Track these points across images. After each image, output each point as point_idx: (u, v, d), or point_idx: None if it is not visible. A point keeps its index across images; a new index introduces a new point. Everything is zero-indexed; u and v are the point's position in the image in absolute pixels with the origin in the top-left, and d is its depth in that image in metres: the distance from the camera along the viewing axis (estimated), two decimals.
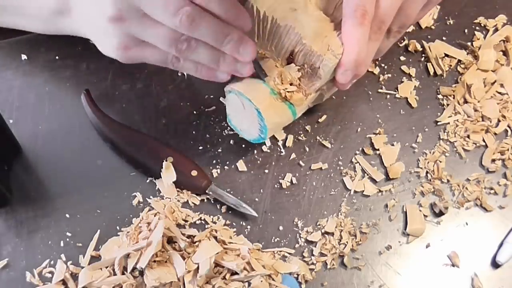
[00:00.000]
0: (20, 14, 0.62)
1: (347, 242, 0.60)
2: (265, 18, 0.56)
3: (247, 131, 0.60)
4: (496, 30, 0.74)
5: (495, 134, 0.67)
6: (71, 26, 0.59)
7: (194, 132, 0.65)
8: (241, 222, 0.61)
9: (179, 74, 0.68)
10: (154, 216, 0.58)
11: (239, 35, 0.52)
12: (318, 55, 0.54)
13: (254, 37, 0.58)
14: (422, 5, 0.57)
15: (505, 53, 0.72)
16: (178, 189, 0.61)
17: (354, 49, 0.52)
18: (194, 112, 0.66)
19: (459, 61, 0.72)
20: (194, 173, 0.60)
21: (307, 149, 0.65)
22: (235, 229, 0.60)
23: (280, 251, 0.60)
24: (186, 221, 0.60)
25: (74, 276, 0.57)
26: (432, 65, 0.71)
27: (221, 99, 0.66)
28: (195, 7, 0.49)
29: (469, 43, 0.72)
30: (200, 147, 0.64)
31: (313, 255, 0.60)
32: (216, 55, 0.53)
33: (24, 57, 0.67)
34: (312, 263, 0.59)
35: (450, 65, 0.71)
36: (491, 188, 0.64)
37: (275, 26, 0.56)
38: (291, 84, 0.57)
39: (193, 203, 0.61)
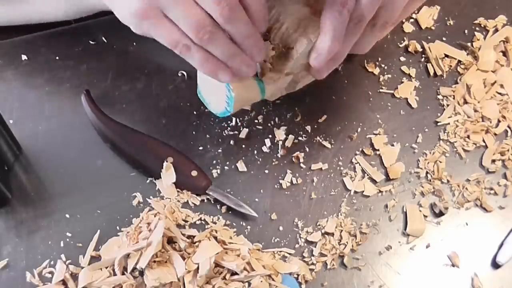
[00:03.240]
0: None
1: (347, 242, 0.60)
2: None
3: (215, 104, 0.59)
4: (496, 30, 0.74)
5: (495, 134, 0.67)
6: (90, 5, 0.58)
7: (194, 132, 0.65)
8: (241, 222, 0.61)
9: (179, 74, 0.68)
10: (154, 216, 0.58)
11: (259, 35, 0.52)
12: (294, 37, 0.54)
13: None
14: (406, 2, 0.56)
15: (505, 53, 0.72)
16: (178, 190, 0.61)
17: (329, 36, 0.52)
18: (194, 112, 0.66)
19: (459, 61, 0.72)
20: (194, 173, 0.60)
21: (307, 149, 0.65)
22: (235, 229, 0.60)
23: (280, 251, 0.60)
24: (186, 221, 0.60)
25: (74, 276, 0.57)
26: (432, 65, 0.71)
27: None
28: (237, 2, 0.49)
29: (469, 44, 0.73)
30: (200, 147, 0.64)
31: (313, 255, 0.60)
32: (233, 51, 0.52)
33: (24, 57, 0.67)
34: (312, 263, 0.59)
35: (450, 66, 0.72)
36: (491, 189, 0.64)
37: None
38: (264, 61, 0.56)
39: (193, 203, 0.61)
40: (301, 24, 0.55)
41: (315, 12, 0.56)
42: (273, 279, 0.56)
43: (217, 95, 0.57)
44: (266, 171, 0.64)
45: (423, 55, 0.72)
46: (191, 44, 0.51)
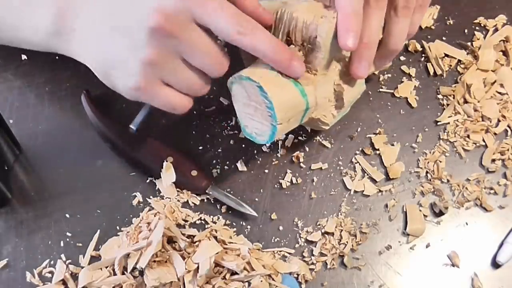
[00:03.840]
0: (14, 34, 0.58)
1: (347, 242, 0.60)
2: None
3: (261, 129, 0.54)
4: (496, 30, 0.74)
5: (495, 134, 0.67)
6: (68, 49, 0.55)
7: (194, 132, 0.65)
8: (241, 222, 0.61)
9: None
10: (154, 216, 0.58)
11: (290, 53, 0.52)
12: (313, 26, 0.52)
13: None
14: None
15: (505, 53, 0.72)
16: (178, 189, 0.61)
17: (348, 7, 0.51)
18: (194, 112, 0.66)
19: (459, 61, 0.72)
20: (194, 173, 0.60)
21: (307, 149, 0.65)
22: (235, 229, 0.60)
23: (280, 251, 0.60)
24: (186, 221, 0.60)
25: (74, 276, 0.57)
26: (432, 65, 0.71)
27: (221, 99, 0.66)
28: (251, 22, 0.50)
29: (469, 43, 0.72)
30: (200, 147, 0.64)
31: (313, 255, 0.60)
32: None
33: (24, 57, 0.67)
34: (312, 263, 0.59)
35: (450, 65, 0.71)
36: (491, 188, 0.64)
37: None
38: None
39: (193, 203, 0.61)
40: (316, 14, 0.53)
41: (326, 7, 0.54)
42: (273, 279, 0.56)
43: (258, 115, 0.53)
44: (266, 171, 0.64)
45: (423, 55, 0.72)
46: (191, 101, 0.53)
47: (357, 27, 0.52)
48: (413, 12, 0.57)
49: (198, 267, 0.54)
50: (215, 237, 0.58)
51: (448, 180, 0.64)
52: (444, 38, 0.73)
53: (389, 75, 0.70)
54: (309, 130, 0.66)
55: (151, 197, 0.61)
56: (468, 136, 0.67)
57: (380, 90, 0.69)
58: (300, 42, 0.54)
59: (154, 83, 0.51)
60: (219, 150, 0.64)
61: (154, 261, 0.54)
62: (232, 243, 0.57)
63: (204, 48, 0.50)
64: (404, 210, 0.63)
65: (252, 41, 0.49)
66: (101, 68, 0.52)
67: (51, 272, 0.57)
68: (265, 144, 0.64)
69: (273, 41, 0.50)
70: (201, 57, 0.50)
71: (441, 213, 0.62)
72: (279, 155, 0.64)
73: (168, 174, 0.60)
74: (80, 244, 0.59)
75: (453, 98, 0.69)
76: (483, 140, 0.67)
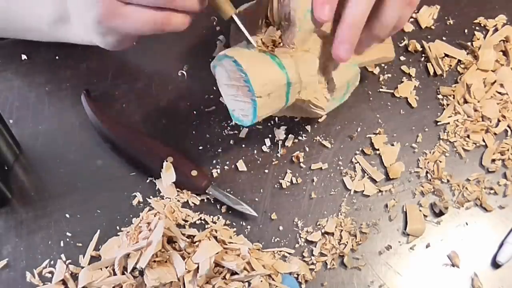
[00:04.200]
0: (19, 25, 0.61)
1: (347, 242, 0.60)
2: (240, 14, 0.57)
3: (244, 108, 0.53)
4: (496, 30, 0.74)
5: (495, 134, 0.67)
6: (72, 32, 0.59)
7: (194, 132, 0.65)
8: (241, 222, 0.61)
9: (179, 74, 0.68)
10: (154, 216, 0.58)
11: None
12: (286, 1, 0.52)
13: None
14: None
15: (505, 53, 0.72)
16: (178, 189, 0.61)
17: None
18: (194, 112, 0.66)
19: (459, 61, 0.72)
20: (194, 173, 0.60)
21: (307, 149, 0.65)
22: (235, 229, 0.60)
23: (280, 251, 0.60)
24: (186, 221, 0.60)
25: (74, 276, 0.57)
26: (432, 65, 0.71)
27: (221, 99, 0.66)
28: None
29: (469, 43, 0.72)
30: (200, 147, 0.64)
31: (313, 255, 0.60)
32: None
33: (24, 57, 0.67)
34: (312, 263, 0.59)
35: (450, 65, 0.71)
36: (491, 188, 0.64)
37: (249, 7, 0.57)
38: (274, 45, 0.55)
39: (193, 203, 0.61)
40: None
41: None
42: (273, 279, 0.56)
43: (241, 94, 0.53)
44: (266, 171, 0.64)
45: (423, 55, 0.72)
46: (167, 13, 0.50)
47: (334, 3, 0.51)
48: (407, 4, 0.55)
49: (198, 267, 0.54)
50: (215, 237, 0.58)
51: (448, 180, 0.64)
52: (444, 38, 0.73)
53: (389, 75, 0.70)
54: (309, 130, 0.66)
55: (151, 197, 0.61)
56: (468, 136, 0.67)
57: (380, 90, 0.69)
58: (278, 21, 0.55)
59: (115, 6, 0.50)
60: (219, 150, 0.64)
61: (154, 261, 0.54)
62: (232, 243, 0.57)
63: None
64: (404, 210, 0.63)
65: None
66: (90, 34, 0.54)
67: (51, 272, 0.57)
68: (263, 136, 0.64)
69: None
70: None
71: (441, 213, 0.62)
72: (279, 155, 0.64)
73: (168, 174, 0.60)
74: (80, 244, 0.59)
75: (453, 98, 0.69)
76: (483, 140, 0.67)
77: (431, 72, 0.71)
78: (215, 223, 0.60)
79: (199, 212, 0.61)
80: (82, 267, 0.57)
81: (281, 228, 0.61)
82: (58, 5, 0.57)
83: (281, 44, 0.55)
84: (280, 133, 0.65)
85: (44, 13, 0.58)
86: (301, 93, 0.56)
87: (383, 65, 0.71)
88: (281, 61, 0.53)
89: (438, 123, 0.68)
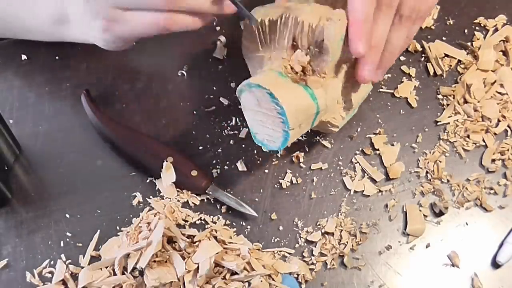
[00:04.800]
0: (19, 25, 0.61)
1: (347, 242, 0.60)
2: (263, 23, 0.55)
3: (273, 136, 0.54)
4: (496, 30, 0.74)
5: (495, 134, 0.67)
6: (71, 32, 0.59)
7: (194, 132, 0.65)
8: (241, 222, 0.61)
9: (179, 74, 0.68)
10: (154, 216, 0.58)
11: None
12: (319, 28, 0.52)
13: (258, 48, 0.57)
14: None
15: (505, 53, 0.72)
16: (178, 189, 0.61)
17: (360, 12, 0.51)
18: (194, 112, 0.66)
19: (459, 61, 0.72)
20: (194, 173, 0.60)
21: (307, 149, 0.65)
22: (235, 229, 0.60)
23: (280, 251, 0.60)
24: (186, 221, 0.60)
25: (74, 276, 0.57)
26: (432, 65, 0.71)
27: (221, 99, 0.66)
28: None
29: (469, 43, 0.72)
30: (200, 147, 0.64)
31: (313, 255, 0.60)
32: None
33: (24, 57, 0.67)
34: (312, 263, 0.59)
35: (450, 65, 0.71)
36: (491, 188, 0.64)
37: (272, 24, 0.55)
38: (302, 71, 0.54)
39: (193, 203, 0.61)
40: (322, 17, 0.52)
41: (334, 7, 0.54)
42: (273, 279, 0.56)
43: (270, 123, 0.53)
44: (266, 171, 0.64)
45: (423, 55, 0.72)
46: (169, 14, 0.50)
47: (368, 33, 0.52)
48: (413, 24, 0.57)
49: (198, 267, 0.54)
50: (215, 237, 0.58)
51: (448, 180, 0.64)
52: (444, 38, 0.73)
53: (389, 75, 0.70)
54: (309, 130, 0.66)
55: (151, 197, 0.61)
56: (468, 136, 0.67)
57: (380, 90, 0.69)
58: (307, 46, 0.54)
59: (117, 12, 0.50)
60: (219, 150, 0.64)
61: (154, 261, 0.54)
62: (232, 243, 0.57)
63: None
64: (404, 210, 0.63)
65: None
66: (91, 37, 0.55)
67: (51, 272, 0.57)
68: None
69: None
70: None
71: (441, 213, 0.62)
72: (279, 155, 0.64)
73: (168, 174, 0.60)
74: (80, 244, 0.59)
75: (453, 98, 0.69)
76: (483, 140, 0.67)
77: (431, 72, 0.71)
78: (215, 223, 0.60)
79: (199, 212, 0.61)
80: (82, 267, 0.57)
81: (281, 228, 0.61)
82: (58, 6, 0.57)
83: (310, 71, 0.54)
84: None
85: (43, 14, 0.58)
86: (323, 116, 0.57)
87: None
88: (314, 92, 0.53)
89: (438, 123, 0.68)
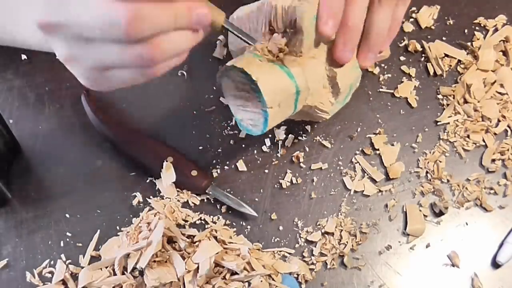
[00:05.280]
0: (12, 37, 0.58)
1: (347, 242, 0.60)
2: (241, 16, 0.56)
3: (254, 119, 0.54)
4: (496, 30, 0.74)
5: (495, 134, 0.67)
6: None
7: (194, 132, 0.65)
8: (241, 222, 0.61)
9: (179, 74, 0.68)
10: (154, 216, 0.58)
11: (187, 6, 0.44)
12: (291, 8, 0.52)
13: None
14: None
15: (505, 53, 0.72)
16: (178, 189, 0.61)
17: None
18: (194, 112, 0.66)
19: (459, 61, 0.72)
20: (194, 173, 0.60)
21: (307, 149, 0.65)
22: (235, 229, 0.60)
23: (280, 251, 0.60)
24: (186, 221, 0.60)
25: (74, 276, 0.57)
26: (432, 65, 0.71)
27: (221, 99, 0.66)
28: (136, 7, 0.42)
29: (469, 43, 0.72)
30: (200, 147, 0.64)
31: (313, 255, 0.60)
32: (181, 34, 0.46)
33: (24, 57, 0.67)
34: (312, 263, 0.59)
35: (450, 65, 0.71)
36: (491, 188, 0.64)
37: (250, 14, 0.56)
38: (280, 52, 0.54)
39: (193, 203, 0.61)
40: (294, 1, 0.53)
41: None
42: (273, 279, 0.56)
43: (250, 105, 0.53)
44: (266, 171, 0.64)
45: (423, 55, 0.72)
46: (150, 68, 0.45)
47: (338, 13, 0.52)
48: (396, 5, 0.57)
49: (198, 267, 0.54)
50: (215, 237, 0.58)
51: (448, 180, 0.64)
52: (444, 38, 0.73)
53: (389, 75, 0.70)
54: (309, 130, 0.66)
55: (151, 197, 0.61)
56: (468, 136, 0.67)
57: (380, 90, 0.69)
58: (283, 28, 0.54)
59: (96, 75, 0.47)
60: (219, 150, 0.64)
61: (154, 261, 0.54)
62: (232, 243, 0.57)
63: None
64: (404, 210, 0.63)
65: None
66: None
67: (51, 272, 0.57)
68: (263, 136, 0.64)
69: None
70: (95, 27, 0.42)
71: (441, 213, 0.62)
72: (279, 155, 0.64)
73: (168, 174, 0.60)
74: (80, 244, 0.59)
75: (453, 98, 0.69)
76: (483, 140, 0.67)
77: (431, 72, 0.71)
78: (215, 223, 0.60)
79: (199, 212, 0.61)
80: (82, 267, 0.57)
81: (281, 228, 0.61)
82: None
83: (287, 52, 0.54)
84: (280, 133, 0.65)
85: (34, 29, 0.54)
86: (307, 99, 0.56)
87: (383, 65, 0.71)
88: (290, 70, 0.53)
89: (438, 123, 0.68)
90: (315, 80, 0.55)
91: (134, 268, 0.55)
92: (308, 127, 0.66)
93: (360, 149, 0.65)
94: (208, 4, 0.48)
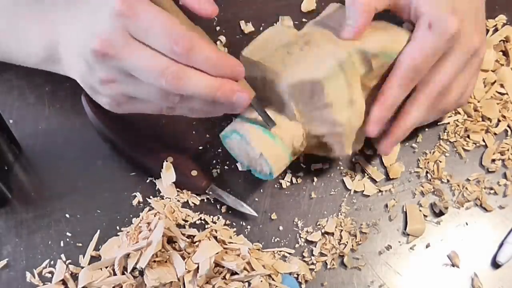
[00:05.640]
0: (8, 58, 0.60)
1: (347, 242, 0.60)
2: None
3: (261, 170, 0.58)
4: (496, 30, 0.74)
5: (495, 134, 0.67)
6: (63, 71, 0.56)
7: (194, 132, 0.65)
8: (241, 222, 0.61)
9: None
10: (154, 216, 0.58)
11: (231, 86, 0.48)
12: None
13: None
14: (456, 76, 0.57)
15: (505, 53, 0.72)
16: (178, 189, 0.61)
17: (389, 97, 0.55)
18: None
19: None
20: (194, 173, 0.60)
21: None
22: (235, 229, 0.60)
23: (280, 251, 0.60)
24: (186, 221, 0.60)
25: (74, 276, 0.57)
26: None
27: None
28: (181, 66, 0.46)
29: None
30: (200, 147, 0.64)
31: (313, 255, 0.60)
32: (211, 103, 0.50)
33: None
34: (312, 263, 0.59)
35: None
36: (491, 188, 0.64)
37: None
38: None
39: (193, 203, 0.61)
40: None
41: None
42: (273, 279, 0.56)
43: (256, 162, 0.57)
44: None
45: None
46: (180, 68, 0.47)
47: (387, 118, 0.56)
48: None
49: (198, 267, 0.54)
50: (215, 237, 0.58)
51: (448, 180, 0.64)
52: None
53: None
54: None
55: (151, 197, 0.61)
56: (468, 136, 0.67)
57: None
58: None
59: (125, 97, 0.51)
60: (219, 150, 0.64)
61: (154, 261, 0.54)
62: (232, 243, 0.57)
63: (146, 63, 0.47)
64: (404, 210, 0.63)
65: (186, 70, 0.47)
66: (89, 92, 0.54)
67: (51, 272, 0.57)
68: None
69: (214, 60, 0.47)
70: (144, 71, 0.47)
71: (441, 213, 0.62)
72: None
73: (168, 174, 0.60)
74: (80, 244, 0.59)
75: None
76: (483, 140, 0.67)
77: None
78: (215, 223, 0.60)
79: (199, 212, 0.61)
80: (82, 267, 0.57)
81: (281, 228, 0.61)
82: (48, 46, 0.54)
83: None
84: None
85: (32, 53, 0.56)
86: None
87: None
88: (284, 144, 0.56)
89: (438, 123, 0.68)
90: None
91: (134, 268, 0.55)
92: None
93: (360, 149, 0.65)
94: (244, 82, 0.51)
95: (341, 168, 0.64)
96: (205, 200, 0.62)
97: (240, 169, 0.63)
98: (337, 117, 0.54)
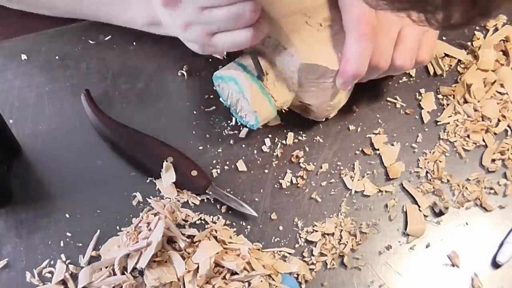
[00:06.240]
0: (111, 21, 0.66)
1: (347, 242, 0.60)
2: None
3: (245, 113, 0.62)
4: (496, 30, 0.74)
5: (495, 134, 0.67)
6: (164, 31, 0.63)
7: (194, 132, 0.65)
8: (241, 222, 0.61)
9: (179, 74, 0.68)
10: (154, 216, 0.58)
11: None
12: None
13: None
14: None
15: (505, 53, 0.72)
16: (178, 189, 0.61)
17: (353, 65, 0.55)
18: (194, 112, 0.66)
19: (459, 61, 0.72)
20: (194, 173, 0.60)
21: (307, 149, 0.65)
22: (235, 229, 0.60)
23: (280, 251, 0.60)
24: (186, 221, 0.60)
25: (74, 276, 0.57)
26: (432, 65, 0.71)
27: (221, 99, 0.66)
28: None
29: (469, 43, 0.72)
30: (200, 147, 0.64)
31: (313, 255, 0.60)
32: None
33: (24, 57, 0.67)
34: (312, 263, 0.59)
35: (450, 65, 0.71)
36: (491, 188, 0.64)
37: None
38: None
39: (193, 203, 0.61)
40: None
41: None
42: (273, 279, 0.56)
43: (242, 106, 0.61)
44: (266, 171, 0.64)
45: None
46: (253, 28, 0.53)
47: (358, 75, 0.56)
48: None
49: (198, 267, 0.54)
50: (215, 237, 0.58)
51: (448, 180, 0.64)
52: (444, 38, 0.73)
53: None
54: (309, 130, 0.66)
55: (151, 197, 0.61)
56: (468, 136, 0.67)
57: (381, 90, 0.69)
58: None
59: (204, 40, 0.55)
60: (219, 150, 0.64)
61: (154, 261, 0.54)
62: (232, 243, 0.57)
63: None
64: (404, 210, 0.63)
65: None
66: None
67: (51, 272, 0.57)
68: (263, 136, 0.65)
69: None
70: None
71: (441, 213, 0.62)
72: (279, 155, 0.64)
73: (168, 174, 0.60)
74: (80, 244, 0.59)
75: (453, 98, 0.69)
76: (483, 140, 0.67)
77: (431, 72, 0.71)
78: (215, 223, 0.60)
79: (199, 212, 0.61)
80: (82, 267, 0.57)
81: (281, 228, 0.61)
82: (150, 11, 0.61)
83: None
84: (280, 133, 0.65)
85: (136, 16, 0.63)
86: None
87: None
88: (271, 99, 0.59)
89: (438, 123, 0.68)
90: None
91: (134, 268, 0.55)
92: (308, 127, 0.66)
93: (360, 149, 0.65)
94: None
95: (341, 168, 0.64)
96: (205, 200, 0.62)
97: (240, 169, 0.63)
98: (336, 98, 0.60)
